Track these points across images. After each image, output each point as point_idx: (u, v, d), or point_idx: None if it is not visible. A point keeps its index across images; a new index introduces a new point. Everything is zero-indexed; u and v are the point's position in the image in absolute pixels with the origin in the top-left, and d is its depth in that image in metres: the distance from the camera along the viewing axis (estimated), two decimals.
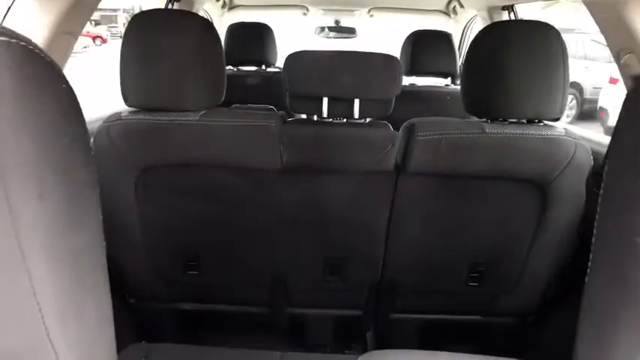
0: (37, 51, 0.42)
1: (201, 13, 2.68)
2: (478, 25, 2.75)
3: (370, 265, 1.43)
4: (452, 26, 2.95)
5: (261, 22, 2.66)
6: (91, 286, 0.52)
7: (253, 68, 2.64)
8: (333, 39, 3.52)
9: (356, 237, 1.39)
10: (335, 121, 1.31)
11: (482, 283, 1.44)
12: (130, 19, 1.23)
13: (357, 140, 1.25)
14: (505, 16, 2.30)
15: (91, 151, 0.51)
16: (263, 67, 2.63)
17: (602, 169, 1.24)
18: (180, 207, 1.34)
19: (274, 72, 2.60)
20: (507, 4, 2.20)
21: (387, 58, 1.25)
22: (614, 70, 6.76)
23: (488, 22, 2.39)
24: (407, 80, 2.56)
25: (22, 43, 0.40)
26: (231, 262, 1.45)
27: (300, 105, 1.30)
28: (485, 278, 1.43)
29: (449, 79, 2.51)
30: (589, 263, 0.64)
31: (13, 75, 0.39)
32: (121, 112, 1.24)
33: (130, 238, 1.35)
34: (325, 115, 1.28)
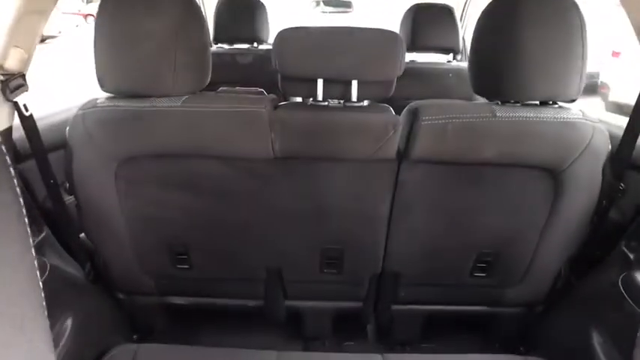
0: None
1: None
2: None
3: (371, 256, 1.36)
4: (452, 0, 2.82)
5: None
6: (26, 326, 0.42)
7: (245, 46, 2.51)
8: (328, 14, 3.39)
9: (355, 228, 1.30)
10: (331, 104, 1.21)
11: (490, 273, 1.36)
12: None
13: (355, 126, 1.15)
14: None
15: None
16: (255, 44, 2.50)
17: (619, 153, 1.18)
18: (165, 199, 1.26)
19: (267, 49, 2.47)
20: None
21: (388, 35, 1.14)
22: (616, 44, 6.62)
23: None
24: (407, 57, 2.43)
25: None
26: (223, 256, 1.38)
27: (293, 87, 1.20)
28: (493, 269, 1.35)
29: (451, 55, 2.39)
30: None
31: None
32: (97, 99, 1.15)
33: (114, 231, 1.28)
34: (320, 97, 1.18)
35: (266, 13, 2.49)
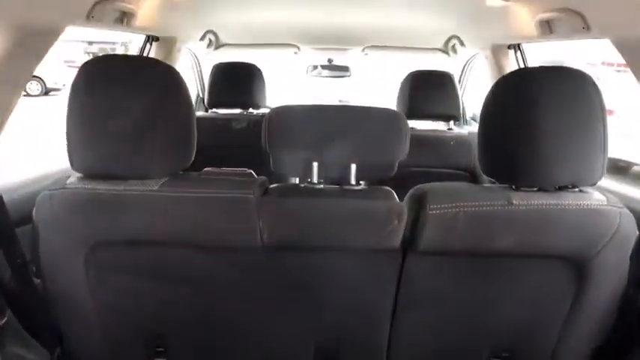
0: None
1: (184, 54, 2.51)
2: (479, 64, 2.61)
3: (372, 355, 1.20)
4: (450, 65, 2.80)
5: (249, 61, 2.48)
6: None
7: (240, 111, 2.44)
8: (326, 77, 3.37)
9: (354, 323, 1.16)
10: (327, 187, 1.10)
11: None
12: (80, 66, 1.03)
13: (355, 215, 1.04)
14: (511, 55, 2.14)
15: None
16: (250, 109, 2.43)
17: None
18: (140, 289, 1.13)
19: (262, 114, 2.40)
20: (513, 42, 2.04)
21: (391, 115, 1.05)
22: (608, 102, 6.67)
23: (492, 62, 2.23)
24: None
25: None
26: (204, 352, 1.22)
27: (285, 168, 1.10)
28: None
29: (451, 122, 2.32)
30: None
31: None
32: (67, 178, 1.05)
33: (84, 321, 1.14)
34: (315, 180, 1.08)
35: (262, 77, 2.44)
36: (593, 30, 1.26)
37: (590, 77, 1.02)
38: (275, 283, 1.11)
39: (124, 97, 0.98)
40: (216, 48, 2.77)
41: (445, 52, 2.75)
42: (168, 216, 1.02)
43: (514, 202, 1.01)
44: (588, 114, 0.99)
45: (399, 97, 2.25)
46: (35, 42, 1.16)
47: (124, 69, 1.02)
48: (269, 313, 1.15)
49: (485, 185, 1.13)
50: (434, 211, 1.00)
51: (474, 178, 2.16)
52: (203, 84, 2.80)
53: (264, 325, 1.17)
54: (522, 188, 1.05)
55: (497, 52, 2.17)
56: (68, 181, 1.04)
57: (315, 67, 3.36)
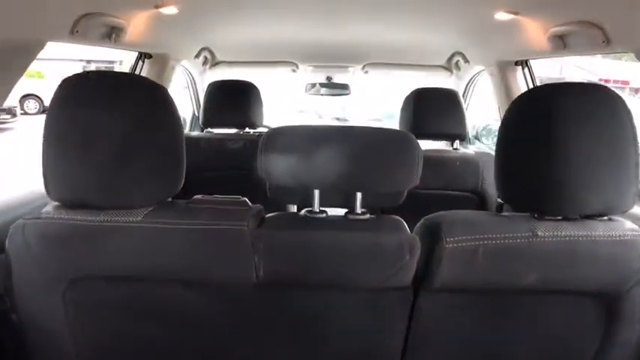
0: None
1: (179, 72, 2.43)
2: (483, 81, 2.53)
3: None
4: (453, 82, 2.73)
5: (246, 79, 2.40)
6: None
7: (236, 131, 2.35)
8: (324, 95, 3.28)
9: None
10: (329, 216, 0.99)
11: None
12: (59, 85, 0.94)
13: (362, 250, 0.93)
14: (519, 72, 2.06)
15: None
16: (247, 129, 2.34)
17: None
18: (124, 327, 1.02)
19: (260, 134, 2.31)
20: (521, 58, 1.96)
21: (401, 138, 0.96)
22: None
23: (498, 80, 2.14)
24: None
25: None
26: None
27: (283, 196, 1.00)
28: None
29: (457, 142, 2.23)
30: None
31: None
32: (43, 206, 0.95)
33: (61, 358, 1.03)
34: (317, 209, 0.97)
35: (259, 96, 2.35)
36: (614, 44, 1.18)
37: (619, 96, 0.93)
38: (271, 323, 1.00)
39: (104, 118, 0.88)
40: (212, 66, 2.71)
41: (448, 69, 2.68)
42: (154, 249, 0.92)
43: (539, 233, 0.90)
44: (619, 135, 0.89)
45: (401, 116, 2.16)
46: (14, 57, 1.08)
47: (106, 87, 0.92)
48: (264, 355, 1.04)
49: (505, 214, 1.02)
50: (451, 245, 0.89)
51: (481, 201, 2.05)
52: (199, 103, 2.72)
53: None
54: (546, 217, 0.95)
55: (503, 68, 2.09)
56: (44, 210, 0.94)
57: (314, 85, 3.28)
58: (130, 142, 0.89)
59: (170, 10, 1.56)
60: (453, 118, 2.08)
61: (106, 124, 0.88)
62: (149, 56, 2.05)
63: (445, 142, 2.32)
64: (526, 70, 2.04)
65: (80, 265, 0.94)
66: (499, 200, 2.24)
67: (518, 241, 0.90)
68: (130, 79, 0.96)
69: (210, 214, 0.93)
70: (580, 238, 0.90)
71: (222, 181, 2.16)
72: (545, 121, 0.90)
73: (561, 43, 1.41)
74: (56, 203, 0.95)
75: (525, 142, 0.94)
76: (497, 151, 1.01)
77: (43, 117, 0.98)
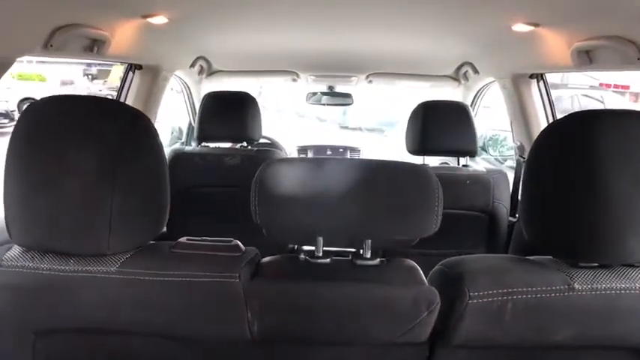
0: None
1: (173, 82, 2.31)
2: (493, 93, 2.41)
3: None
4: (460, 93, 2.61)
5: (244, 88, 2.28)
6: None
7: (232, 145, 2.23)
8: (326, 105, 3.17)
9: None
10: (334, 261, 0.87)
11: None
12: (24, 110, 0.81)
13: (370, 304, 0.81)
14: (533, 85, 1.93)
15: None
16: (244, 143, 2.21)
17: None
18: None
19: (257, 150, 2.19)
20: (538, 72, 1.84)
21: (419, 174, 0.83)
22: None
23: (511, 93, 2.02)
24: (417, 160, 2.14)
25: None
26: None
27: (281, 239, 0.87)
28: None
29: (466, 158, 2.10)
30: None
31: None
32: (4, 252, 0.82)
33: None
34: (320, 254, 0.85)
35: (257, 108, 2.22)
36: None
37: None
38: None
39: (75, 151, 0.76)
40: (209, 75, 2.58)
41: (456, 79, 2.56)
42: (132, 303, 0.80)
43: (576, 286, 0.78)
44: None
45: (408, 130, 2.03)
46: None
47: (77, 115, 0.80)
48: None
49: (534, 259, 0.89)
50: (475, 300, 0.77)
51: (491, 220, 1.93)
52: (195, 113, 2.60)
53: None
54: (581, 264, 0.82)
55: (517, 81, 1.96)
56: (5, 257, 0.81)
57: (315, 94, 3.16)
58: (104, 179, 0.76)
59: (159, 19, 1.44)
60: (463, 133, 1.95)
61: (77, 157, 0.76)
62: (139, 67, 1.92)
63: (451, 157, 2.20)
64: (541, 83, 1.91)
65: (49, 317, 0.83)
66: (511, 219, 2.12)
67: (553, 295, 0.77)
68: (105, 105, 0.83)
69: (196, 263, 0.80)
70: (622, 292, 0.78)
71: (217, 198, 2.04)
72: (579, 157, 0.78)
73: (587, 58, 1.29)
74: (20, 248, 0.82)
75: (557, 180, 0.81)
76: (524, 187, 0.88)
77: None
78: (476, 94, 2.55)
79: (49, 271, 0.79)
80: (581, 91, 8.58)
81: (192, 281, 0.79)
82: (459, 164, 2.08)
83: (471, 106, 2.59)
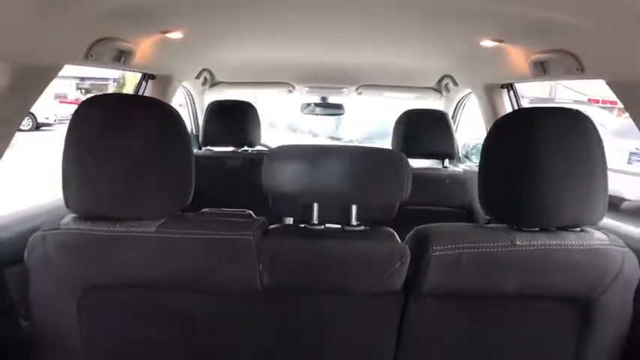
0: None
1: (179, 92, 2.52)
2: (471, 103, 2.64)
3: None
4: (443, 104, 2.84)
5: (244, 100, 2.50)
6: None
7: (234, 149, 2.44)
8: (319, 115, 3.38)
9: None
10: (327, 227, 1.08)
11: None
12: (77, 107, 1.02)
13: (357, 257, 1.02)
14: (504, 95, 2.17)
15: None
16: (246, 147, 2.42)
17: None
18: (134, 334, 1.08)
19: (257, 153, 2.40)
20: (506, 82, 2.07)
21: (392, 156, 1.05)
22: None
23: (485, 101, 2.25)
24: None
25: None
26: None
27: (285, 209, 1.08)
28: None
29: (446, 160, 2.33)
30: None
31: None
32: (61, 219, 1.02)
33: None
34: (316, 221, 1.06)
35: (257, 115, 2.44)
36: (588, 71, 1.28)
37: (589, 117, 1.03)
38: (274, 328, 1.07)
39: (122, 137, 0.96)
40: (212, 86, 2.79)
41: (438, 90, 2.79)
42: (166, 258, 0.99)
43: (517, 242, 0.99)
44: (588, 153, 0.99)
45: (393, 135, 2.26)
46: (32, 80, 1.16)
47: (123, 109, 1.01)
48: (267, 358, 1.10)
49: (487, 226, 1.11)
50: (437, 253, 0.98)
51: (470, 216, 2.15)
52: (197, 122, 2.80)
53: None
54: (524, 228, 1.04)
55: (490, 91, 2.20)
56: (62, 222, 1.01)
57: (309, 105, 3.38)
58: (144, 159, 0.97)
59: (175, 34, 1.65)
60: (442, 138, 2.18)
61: (123, 142, 0.96)
62: (152, 77, 2.13)
63: (437, 160, 2.43)
64: (511, 92, 2.15)
65: (96, 273, 1.01)
66: (487, 217, 2.33)
67: (498, 250, 0.98)
68: (145, 101, 1.04)
69: (218, 226, 1.00)
70: (554, 247, 0.99)
71: (221, 197, 2.23)
72: (522, 142, 1.00)
73: (541, 69, 1.52)
74: (74, 215, 1.02)
75: (504, 161, 1.04)
76: (480, 168, 1.10)
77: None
78: (457, 105, 2.78)
79: (99, 231, 0.98)
80: (567, 105, 8.91)
81: (214, 238, 0.99)
82: (442, 166, 2.31)
83: (453, 115, 2.82)
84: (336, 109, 3.32)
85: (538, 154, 0.98)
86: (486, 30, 1.54)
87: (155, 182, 0.97)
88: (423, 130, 2.18)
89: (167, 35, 1.65)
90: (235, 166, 2.33)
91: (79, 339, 1.05)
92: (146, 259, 0.99)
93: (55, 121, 15.10)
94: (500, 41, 1.59)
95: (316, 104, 3.31)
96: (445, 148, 2.21)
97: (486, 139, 1.08)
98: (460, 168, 2.36)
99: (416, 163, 2.43)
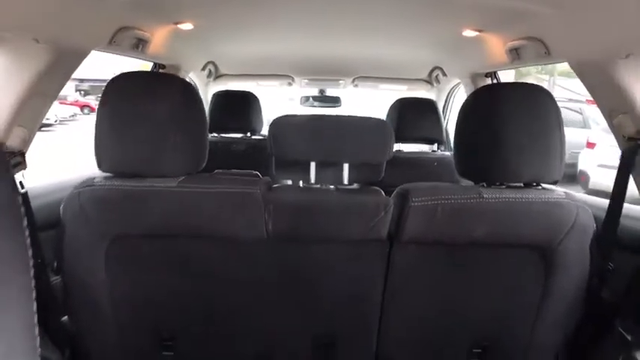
0: None
1: None
2: (461, 93, 2.80)
3: (364, 343, 1.31)
4: (434, 94, 3.00)
5: (247, 90, 2.66)
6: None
7: (239, 135, 2.61)
8: (317, 108, 3.55)
9: (348, 312, 1.28)
10: (323, 187, 1.24)
11: (489, 359, 1.32)
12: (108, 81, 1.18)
13: (347, 207, 1.18)
14: (488, 82, 2.33)
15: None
16: (248, 134, 2.60)
17: (604, 233, 1.21)
18: (155, 280, 1.24)
19: (260, 139, 2.57)
20: (489, 70, 2.24)
21: (376, 122, 1.22)
22: (589, 135, 7.06)
23: (471, 90, 2.41)
24: (394, 147, 2.54)
25: None
26: (210, 342, 1.32)
27: (287, 171, 1.25)
28: (490, 354, 1.31)
29: (435, 145, 2.50)
30: None
31: None
32: (94, 178, 1.17)
33: (100, 313, 1.23)
34: (313, 181, 1.22)
35: (259, 105, 2.62)
36: (553, 55, 1.44)
37: (549, 92, 1.19)
38: (277, 273, 1.23)
39: (148, 107, 1.12)
40: (216, 78, 2.96)
41: (429, 82, 2.96)
42: (185, 210, 1.15)
43: (485, 195, 1.15)
44: (546, 122, 1.15)
45: (387, 121, 2.42)
46: (66, 61, 1.31)
47: (148, 83, 1.17)
48: (271, 303, 1.26)
49: (461, 184, 1.28)
50: (416, 204, 1.14)
51: None
52: None
53: (266, 315, 1.27)
54: (492, 186, 1.20)
55: (475, 80, 2.36)
56: (95, 179, 1.16)
57: (308, 99, 3.55)
58: (167, 124, 1.13)
59: (187, 25, 1.82)
60: (430, 123, 2.36)
61: (149, 111, 1.12)
62: (163, 66, 2.30)
63: (429, 146, 2.60)
64: (494, 80, 2.31)
65: (124, 224, 1.16)
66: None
67: (468, 201, 1.15)
68: (167, 77, 1.20)
69: (230, 182, 1.17)
70: (517, 200, 1.15)
71: None
72: (490, 113, 1.17)
73: (516, 55, 1.68)
74: (105, 175, 1.18)
75: (475, 129, 1.20)
76: (455, 136, 1.27)
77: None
78: (447, 95, 2.95)
79: (127, 187, 1.14)
80: (561, 103, 9.08)
81: (227, 192, 1.15)
82: (432, 150, 2.48)
83: (444, 105, 2.98)
84: (333, 102, 3.49)
85: (504, 122, 1.15)
86: (467, 20, 1.70)
87: (176, 144, 1.13)
88: (414, 117, 2.36)
89: (179, 26, 1.81)
90: (239, 150, 2.49)
91: (106, 287, 1.20)
92: (168, 211, 1.15)
93: (56, 121, 15.18)
94: (479, 30, 1.75)
95: (314, 98, 3.49)
96: (434, 134, 2.38)
97: (460, 111, 1.25)
98: (448, 153, 2.53)
99: (408, 148, 2.61)
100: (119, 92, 1.14)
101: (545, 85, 13.58)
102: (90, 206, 1.14)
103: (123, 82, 1.16)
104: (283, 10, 1.70)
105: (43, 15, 1.10)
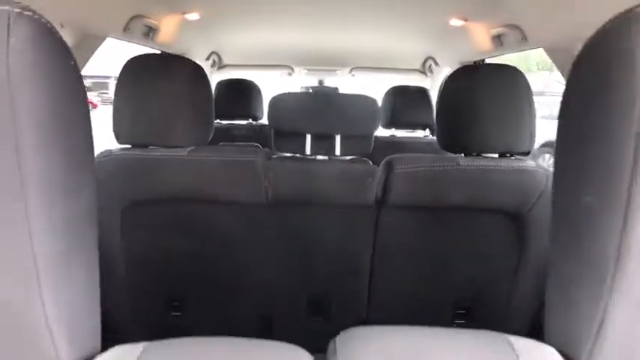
0: (53, 29, 0.48)
1: None
2: None
3: (355, 303, 1.43)
4: (428, 84, 3.12)
5: (249, 79, 2.80)
6: (81, 254, 0.54)
7: (241, 122, 2.75)
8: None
9: (340, 273, 1.40)
10: (318, 158, 1.37)
11: (470, 319, 1.43)
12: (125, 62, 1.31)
13: (337, 174, 1.31)
14: None
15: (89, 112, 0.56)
16: (250, 120, 2.74)
17: None
18: (165, 243, 1.35)
19: (261, 125, 2.71)
20: (477, 59, 2.37)
21: (365, 98, 1.35)
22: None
23: None
24: (387, 132, 2.68)
25: (43, 20, 0.47)
26: (216, 302, 1.44)
27: (285, 144, 1.37)
28: (473, 314, 1.42)
29: (427, 130, 2.64)
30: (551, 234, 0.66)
31: (36, 49, 0.45)
32: (111, 150, 1.29)
33: (112, 274, 1.34)
34: (308, 152, 1.35)
35: (260, 93, 2.76)
36: (530, 41, 1.57)
37: (521, 72, 1.31)
38: (277, 235, 1.35)
39: (163, 83, 1.24)
40: (219, 68, 3.09)
41: (423, 72, 3.08)
42: (194, 176, 1.27)
43: (461, 163, 1.27)
44: (518, 99, 1.26)
45: (381, 109, 2.56)
46: (85, 46, 1.45)
47: (162, 64, 1.30)
48: (270, 264, 1.38)
49: (442, 155, 1.40)
50: (399, 170, 1.27)
51: None
52: None
53: (267, 275, 1.40)
54: (469, 156, 1.33)
55: None
56: (114, 150, 1.28)
57: (307, 89, 3.67)
58: (178, 99, 1.25)
59: (193, 15, 1.95)
60: (422, 110, 2.49)
61: (162, 88, 1.24)
62: None
63: (422, 132, 2.73)
64: None
65: (139, 190, 1.27)
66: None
67: (447, 168, 1.27)
68: (179, 59, 1.33)
69: (234, 151, 1.30)
70: (491, 167, 1.26)
71: None
72: (466, 89, 1.29)
73: (499, 42, 1.81)
74: (121, 146, 1.30)
75: (454, 104, 1.32)
76: (436, 111, 1.39)
77: None
78: (442, 84, 3.06)
79: (143, 155, 1.25)
80: (557, 98, 9.17)
81: (232, 160, 1.28)
82: (425, 134, 2.61)
83: (439, 92, 3.10)
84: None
85: (478, 98, 1.26)
86: (453, 9, 1.83)
87: (186, 117, 1.25)
88: (406, 104, 2.49)
89: (186, 16, 1.94)
90: (241, 134, 2.64)
91: (119, 251, 1.30)
92: (179, 177, 1.27)
93: None
94: (465, 19, 1.88)
95: (313, 88, 3.61)
96: (425, 120, 2.52)
97: (441, 87, 1.38)
98: None
99: (401, 133, 2.74)
100: (135, 72, 1.26)
101: (544, 80, 13.69)
102: (108, 174, 1.25)
103: (138, 64, 1.28)
104: (284, 2, 1.83)
105: (69, 0, 1.22)
